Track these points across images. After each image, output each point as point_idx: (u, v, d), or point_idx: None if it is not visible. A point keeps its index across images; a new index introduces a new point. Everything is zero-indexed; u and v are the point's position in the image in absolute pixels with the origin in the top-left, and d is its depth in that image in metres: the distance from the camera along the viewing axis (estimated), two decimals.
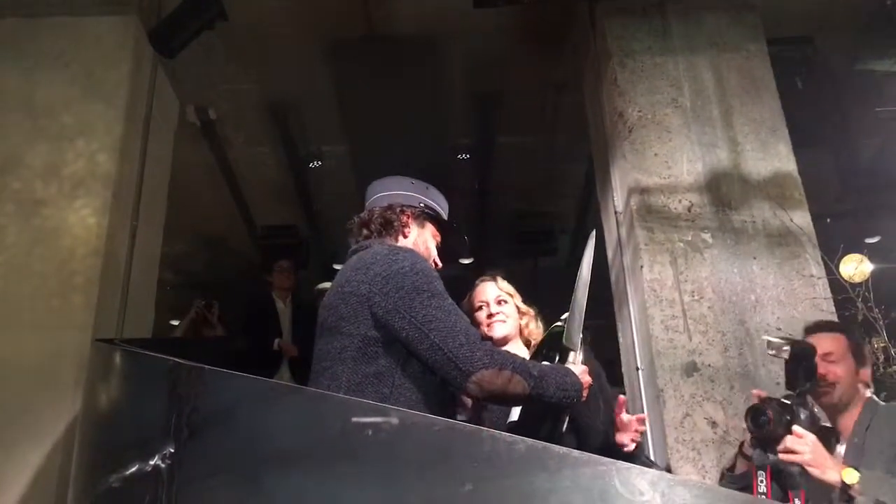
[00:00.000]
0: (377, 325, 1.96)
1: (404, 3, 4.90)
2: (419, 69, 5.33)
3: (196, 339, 4.99)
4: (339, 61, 5.28)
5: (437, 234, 2.37)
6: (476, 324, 2.62)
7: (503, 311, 2.66)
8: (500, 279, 2.76)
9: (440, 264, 2.33)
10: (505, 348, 2.50)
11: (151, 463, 1.63)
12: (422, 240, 2.30)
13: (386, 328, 1.95)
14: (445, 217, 2.40)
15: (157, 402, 1.75)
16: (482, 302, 2.67)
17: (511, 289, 2.74)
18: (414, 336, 1.92)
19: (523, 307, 2.73)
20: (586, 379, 2.05)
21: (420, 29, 5.09)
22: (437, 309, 1.93)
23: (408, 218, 2.28)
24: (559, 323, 2.28)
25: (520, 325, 2.68)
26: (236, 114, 5.91)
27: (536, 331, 2.69)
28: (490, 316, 2.64)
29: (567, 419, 2.08)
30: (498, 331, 2.61)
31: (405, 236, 2.27)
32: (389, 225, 2.25)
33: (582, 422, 2.31)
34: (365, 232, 2.25)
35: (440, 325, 1.91)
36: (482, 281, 2.76)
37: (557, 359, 2.15)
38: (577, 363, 2.10)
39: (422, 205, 2.33)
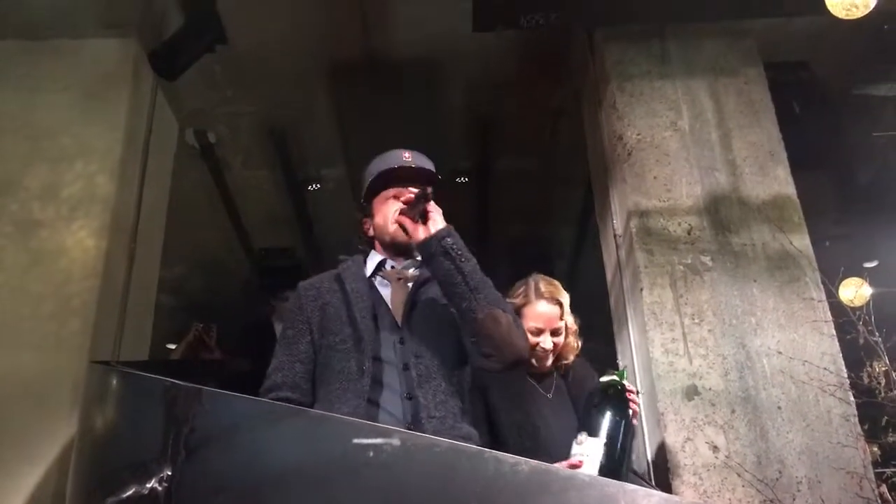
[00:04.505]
0: None
1: (403, 28, 4.91)
2: (418, 93, 5.35)
3: (193, 361, 4.94)
4: (338, 85, 5.29)
5: (390, 194, 2.29)
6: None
7: (557, 341, 2.61)
8: (565, 297, 2.67)
9: (416, 221, 2.13)
10: None
11: (148, 486, 1.60)
12: (378, 224, 2.31)
13: None
14: (390, 166, 2.30)
15: (153, 424, 1.73)
16: (539, 328, 2.58)
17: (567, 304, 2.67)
18: None
19: (569, 322, 2.67)
20: None
21: (419, 53, 5.11)
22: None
23: (364, 222, 2.37)
24: (614, 377, 2.21)
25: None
26: (235, 137, 5.90)
27: (573, 346, 2.66)
28: (545, 351, 2.57)
29: None
30: (548, 362, 2.57)
31: (371, 237, 2.34)
32: (360, 241, 2.38)
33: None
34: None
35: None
36: (549, 299, 2.65)
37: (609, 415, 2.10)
38: None
39: (362, 194, 2.35)
